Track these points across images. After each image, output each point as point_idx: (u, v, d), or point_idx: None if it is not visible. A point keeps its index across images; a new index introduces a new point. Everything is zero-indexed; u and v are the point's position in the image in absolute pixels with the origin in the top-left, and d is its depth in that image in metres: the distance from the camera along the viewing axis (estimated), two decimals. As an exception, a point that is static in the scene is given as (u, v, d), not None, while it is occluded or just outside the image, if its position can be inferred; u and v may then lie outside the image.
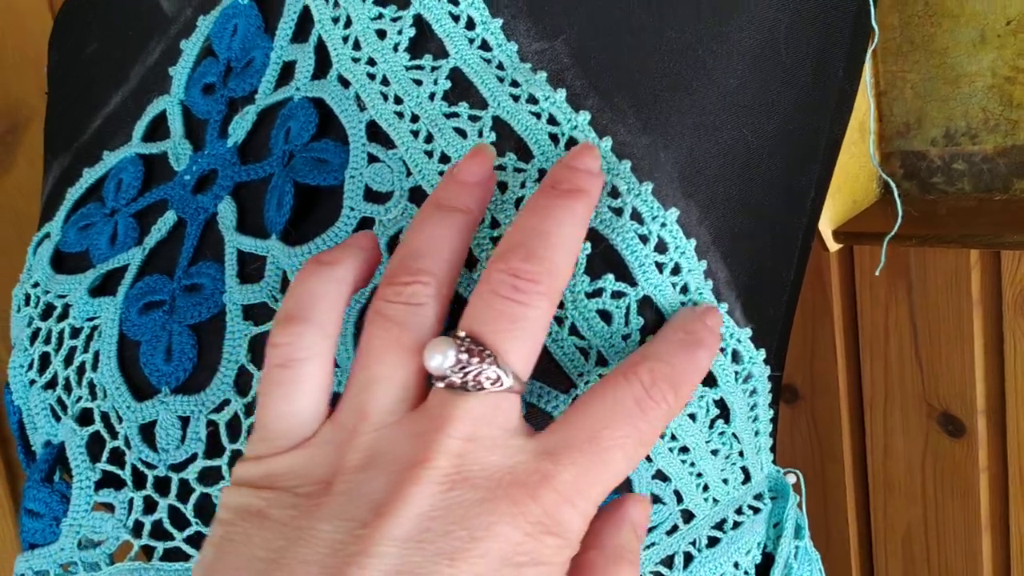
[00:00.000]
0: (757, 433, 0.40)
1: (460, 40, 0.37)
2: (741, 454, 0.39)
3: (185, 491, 0.38)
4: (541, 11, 0.37)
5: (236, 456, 0.36)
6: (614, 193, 0.33)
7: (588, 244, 0.32)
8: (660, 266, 0.33)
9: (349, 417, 0.28)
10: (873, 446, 0.66)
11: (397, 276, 0.29)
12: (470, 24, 0.37)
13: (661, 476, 0.35)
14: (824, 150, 0.40)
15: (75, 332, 0.40)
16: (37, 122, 0.80)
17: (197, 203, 0.40)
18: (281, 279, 0.36)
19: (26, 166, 0.79)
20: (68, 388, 0.40)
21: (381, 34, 0.38)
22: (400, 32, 0.38)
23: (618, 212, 0.33)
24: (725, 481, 0.39)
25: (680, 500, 0.37)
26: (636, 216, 0.33)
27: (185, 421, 0.37)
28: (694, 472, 0.37)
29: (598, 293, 0.32)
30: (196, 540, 0.38)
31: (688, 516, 0.38)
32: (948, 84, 0.56)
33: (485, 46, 0.37)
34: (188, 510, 0.37)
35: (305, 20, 0.40)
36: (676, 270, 0.33)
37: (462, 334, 0.27)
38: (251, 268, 0.37)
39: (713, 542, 0.40)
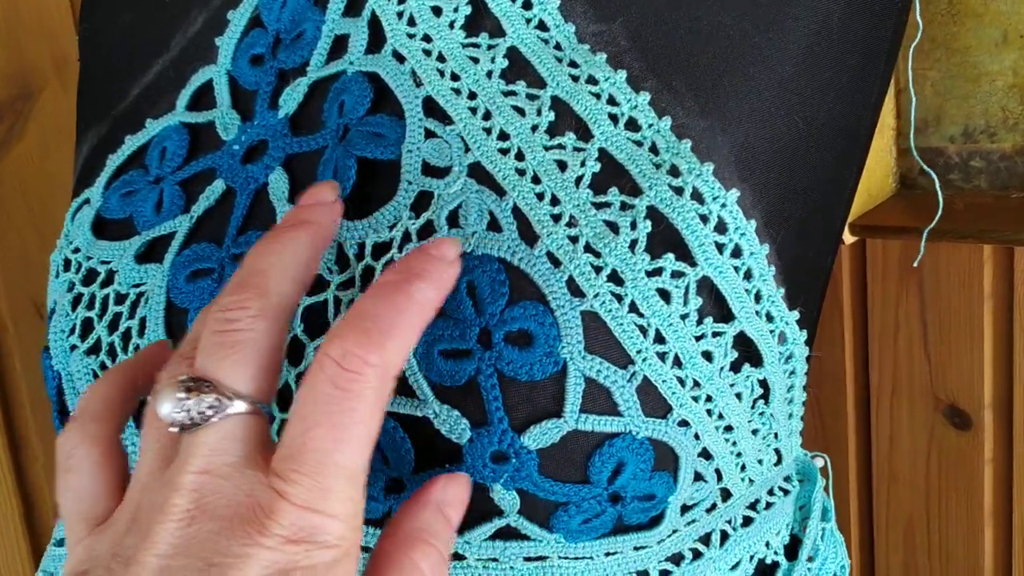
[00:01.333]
0: (791, 416, 0.41)
1: (517, 19, 0.37)
2: (776, 435, 0.40)
3: None
4: None
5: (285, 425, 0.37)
6: (674, 172, 0.34)
7: (648, 223, 0.33)
8: (720, 247, 0.33)
9: (129, 486, 0.30)
10: (878, 436, 0.68)
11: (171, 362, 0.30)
12: (527, 4, 0.38)
13: (705, 454, 0.36)
14: (864, 140, 0.41)
15: (120, 298, 0.40)
16: (50, 92, 0.79)
17: (247, 173, 0.40)
18: (336, 252, 0.36)
19: (37, 134, 0.78)
20: (112, 354, 0.40)
21: (436, 11, 0.38)
22: (456, 10, 0.38)
23: (678, 191, 0.33)
24: (760, 462, 0.40)
25: (720, 479, 0.38)
26: (696, 196, 0.33)
27: None
28: (735, 451, 0.37)
29: (658, 272, 0.33)
30: None
31: (726, 495, 0.39)
32: (969, 82, 0.57)
33: (542, 26, 0.37)
34: None
35: (357, -5, 0.41)
36: (737, 252, 0.34)
37: (183, 376, 0.28)
38: None
39: (747, 521, 0.40)
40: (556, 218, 0.34)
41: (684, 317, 0.33)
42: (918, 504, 0.67)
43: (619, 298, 0.33)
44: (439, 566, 0.30)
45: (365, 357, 0.27)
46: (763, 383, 0.37)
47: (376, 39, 0.39)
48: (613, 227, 0.33)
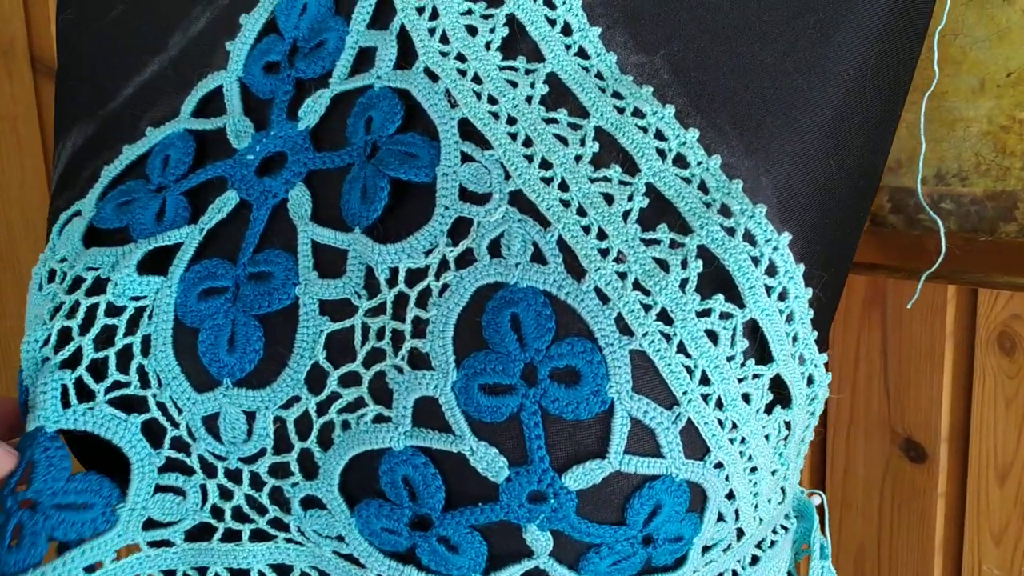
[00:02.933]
0: (799, 454, 0.41)
1: (556, 45, 0.37)
2: (786, 475, 0.40)
3: (258, 482, 0.36)
4: (639, 24, 0.37)
5: (305, 454, 0.35)
6: (725, 212, 0.33)
7: (699, 263, 0.33)
8: (769, 289, 0.33)
9: None
10: (833, 465, 0.69)
11: None
12: (566, 30, 0.37)
13: (730, 495, 0.36)
14: (877, 181, 0.42)
15: (115, 310, 0.38)
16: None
17: (264, 186, 0.38)
18: (365, 275, 0.35)
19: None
20: (97, 371, 0.38)
21: (471, 30, 0.37)
22: (492, 30, 0.37)
23: (730, 232, 0.33)
24: (769, 500, 0.40)
25: (737, 518, 0.37)
26: (749, 237, 0.33)
27: (250, 416, 0.36)
28: (755, 491, 0.37)
29: (707, 313, 0.33)
30: (277, 523, 0.37)
31: (740, 534, 0.39)
32: (943, 126, 0.58)
33: (583, 54, 0.37)
34: (264, 498, 0.36)
35: (383, 6, 0.39)
36: (783, 295, 0.34)
37: None
38: (328, 261, 0.36)
39: (755, 560, 0.40)
40: (604, 253, 0.33)
41: (730, 359, 0.33)
42: (870, 533, 0.68)
43: (668, 338, 0.32)
44: None
45: None
46: (788, 424, 0.37)
47: (406, 54, 0.38)
48: (663, 265, 0.33)
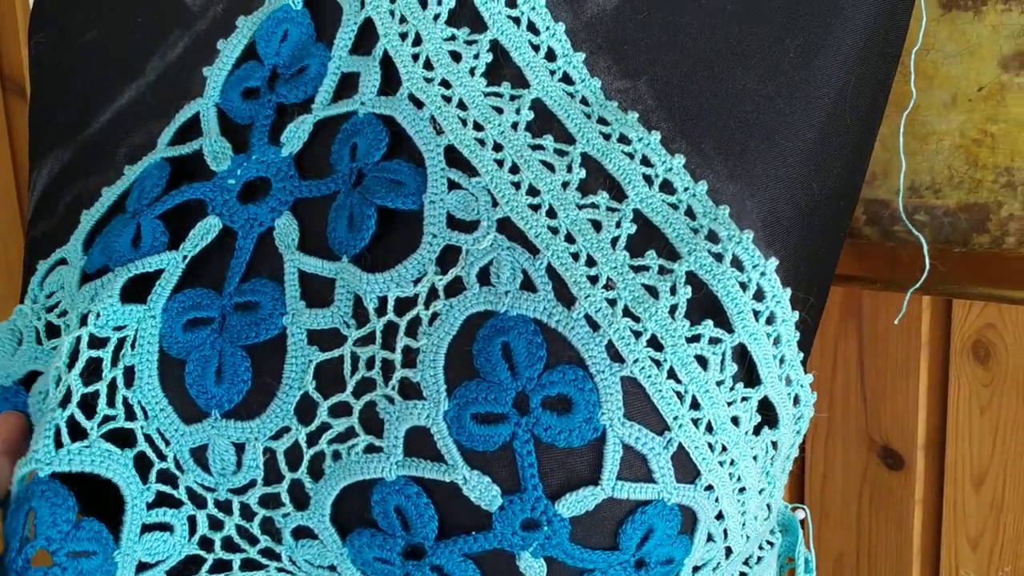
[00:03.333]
0: (784, 470, 0.42)
1: (541, 71, 0.37)
2: (772, 492, 0.40)
3: (248, 512, 0.36)
4: (622, 49, 0.37)
5: (296, 484, 0.35)
6: (713, 238, 0.33)
7: (689, 289, 0.33)
8: (756, 314, 0.33)
9: None
10: (812, 474, 0.70)
11: None
12: (550, 55, 0.37)
13: (720, 516, 0.36)
14: (856, 199, 0.42)
15: (98, 342, 0.37)
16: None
17: (249, 214, 0.37)
18: (353, 304, 0.35)
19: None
20: (86, 408, 0.37)
21: (456, 56, 0.37)
22: (476, 56, 0.37)
23: (718, 258, 0.33)
24: (756, 517, 0.40)
25: (726, 537, 0.38)
26: (736, 263, 0.33)
27: (240, 447, 0.35)
28: (743, 511, 0.38)
29: (696, 338, 0.33)
30: (268, 553, 0.36)
31: (728, 552, 0.39)
32: (917, 140, 0.59)
33: (567, 79, 0.37)
34: (255, 528, 0.36)
35: (366, 32, 0.39)
36: (771, 319, 0.34)
37: None
38: (315, 290, 0.36)
39: (742, 577, 0.41)
40: (593, 280, 0.33)
41: (720, 383, 0.33)
42: (848, 541, 0.69)
43: (658, 364, 0.32)
44: None
45: None
46: (775, 444, 0.37)
47: (389, 80, 0.38)
48: (652, 291, 0.33)
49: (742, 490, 0.36)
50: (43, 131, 0.45)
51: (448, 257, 0.34)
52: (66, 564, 0.34)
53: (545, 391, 0.32)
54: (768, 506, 0.41)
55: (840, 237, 0.41)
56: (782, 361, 0.35)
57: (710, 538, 0.37)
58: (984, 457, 0.62)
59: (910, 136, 0.59)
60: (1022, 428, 0.59)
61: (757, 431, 0.36)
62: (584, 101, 0.36)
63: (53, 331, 0.40)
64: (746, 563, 0.41)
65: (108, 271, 0.38)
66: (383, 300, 0.34)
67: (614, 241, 0.33)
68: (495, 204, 0.34)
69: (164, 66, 0.43)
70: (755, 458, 0.36)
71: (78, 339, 0.37)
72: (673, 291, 0.33)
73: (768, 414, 0.36)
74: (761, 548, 0.42)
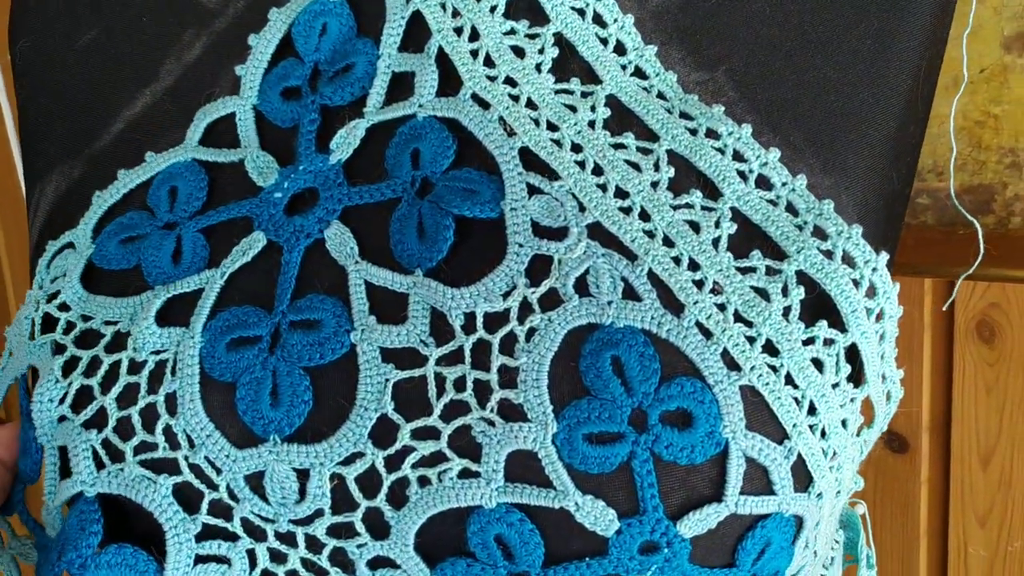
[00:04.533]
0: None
1: (612, 65, 0.35)
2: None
3: (316, 544, 0.33)
4: (694, 39, 0.35)
5: (372, 512, 0.32)
6: (820, 234, 0.32)
7: (802, 289, 0.31)
8: (868, 312, 0.32)
9: None
10: (813, 462, 0.69)
11: None
12: (620, 49, 0.35)
13: (817, 522, 0.35)
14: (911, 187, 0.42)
15: (136, 367, 0.34)
16: None
17: (295, 226, 0.34)
18: (431, 320, 0.32)
19: None
20: (123, 432, 0.34)
21: (518, 52, 0.35)
22: (541, 51, 0.35)
23: (828, 255, 0.32)
24: (833, 517, 0.39)
25: (815, 542, 0.36)
26: (848, 260, 0.32)
27: (303, 473, 0.32)
28: (832, 514, 0.37)
29: (811, 341, 0.31)
30: None
31: (814, 555, 0.38)
32: (919, 122, 0.59)
33: (640, 74, 0.35)
34: (324, 560, 0.33)
35: (415, 27, 0.36)
36: (880, 316, 0.33)
37: None
38: (383, 305, 0.33)
39: (823, 580, 0.40)
40: (699, 284, 0.31)
41: (835, 386, 0.32)
42: (854, 525, 0.69)
43: (775, 370, 0.31)
44: None
45: None
46: (867, 443, 0.36)
47: (448, 79, 0.35)
48: (763, 294, 0.31)
49: (839, 493, 0.35)
50: (41, 145, 0.41)
51: (538, 267, 0.32)
52: None
53: (663, 406, 0.30)
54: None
55: (902, 224, 0.40)
56: (883, 358, 0.34)
57: (806, 545, 0.35)
58: (991, 435, 0.62)
59: (912, 119, 0.59)
60: (1029, 405, 0.60)
61: (859, 432, 0.34)
62: (661, 96, 0.34)
63: (48, 324, 0.37)
64: (824, 566, 0.40)
65: (138, 279, 0.35)
66: (470, 316, 0.32)
67: (715, 242, 0.32)
68: (582, 209, 0.32)
69: (182, 69, 0.39)
70: (853, 459, 0.35)
71: (116, 363, 0.34)
72: (785, 292, 0.31)
73: (866, 415, 0.35)
74: (832, 548, 0.41)
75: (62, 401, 0.35)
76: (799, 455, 0.31)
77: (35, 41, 0.42)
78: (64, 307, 0.36)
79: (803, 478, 0.32)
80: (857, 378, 0.33)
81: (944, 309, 0.61)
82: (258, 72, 0.38)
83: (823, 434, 0.32)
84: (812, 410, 0.32)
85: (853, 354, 0.33)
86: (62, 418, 0.35)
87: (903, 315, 0.62)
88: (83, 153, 0.39)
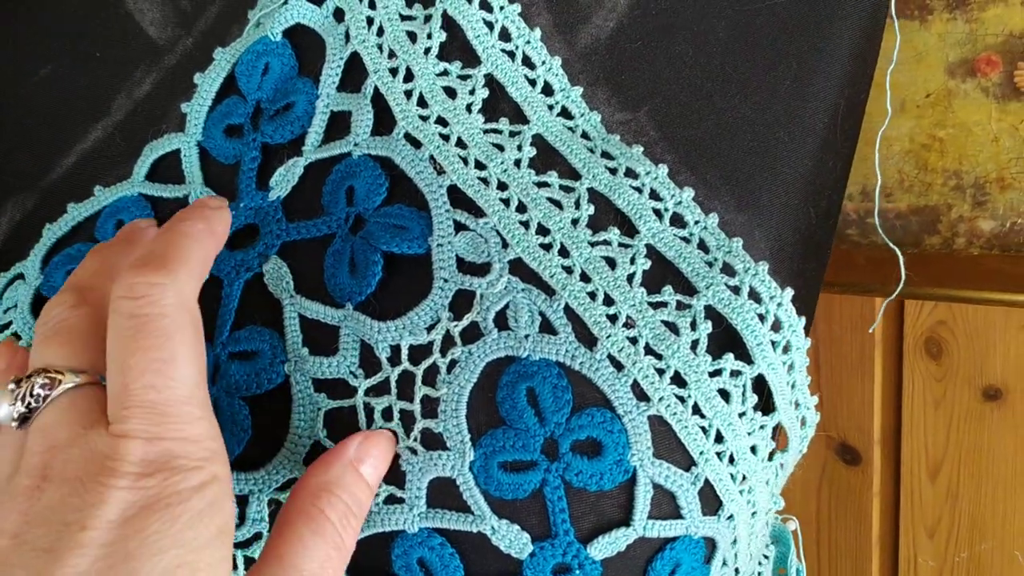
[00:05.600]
0: (779, 485, 0.42)
1: (539, 106, 0.36)
2: (772, 510, 0.41)
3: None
4: (620, 80, 0.37)
5: None
6: (728, 271, 0.34)
7: (709, 323, 0.33)
8: (774, 344, 0.34)
9: None
10: (770, 473, 0.71)
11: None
12: (547, 90, 0.37)
13: (734, 540, 0.36)
14: (837, 220, 0.43)
15: None
16: None
17: (235, 260, 0.36)
18: (359, 354, 0.34)
19: None
20: None
21: (450, 92, 0.37)
22: (472, 92, 0.36)
23: (736, 291, 0.33)
24: (758, 536, 0.41)
25: (736, 560, 0.38)
26: (754, 295, 0.33)
27: (243, 499, 0.34)
28: (751, 533, 0.38)
29: (718, 372, 0.33)
30: None
31: (736, 573, 0.39)
32: (867, 145, 0.61)
33: (566, 114, 0.36)
34: None
35: (353, 67, 0.38)
36: (787, 348, 0.34)
37: (12, 376, 0.28)
38: (316, 337, 0.34)
39: (749, 596, 0.41)
40: (613, 319, 0.33)
41: (741, 415, 0.33)
42: (809, 536, 0.71)
43: (683, 400, 0.32)
44: (347, 518, 0.30)
45: (150, 278, 0.27)
46: (782, 465, 0.38)
47: (383, 119, 0.37)
48: (672, 328, 0.33)
49: (754, 514, 0.37)
50: (1, 177, 0.42)
51: (461, 302, 0.33)
52: None
53: (574, 435, 0.32)
54: (767, 523, 0.42)
55: (827, 255, 0.42)
56: (793, 386, 0.36)
57: (724, 563, 0.37)
58: (939, 448, 0.64)
59: (862, 142, 0.61)
60: (975, 419, 0.62)
61: (771, 457, 0.36)
62: (585, 135, 0.36)
63: None
64: (750, 581, 0.42)
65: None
66: (395, 349, 0.33)
67: (630, 278, 0.33)
68: (505, 245, 0.34)
69: (132, 104, 0.41)
70: (767, 482, 0.37)
71: None
72: (693, 326, 0.33)
73: (779, 439, 0.37)
74: (760, 564, 0.43)
75: None
76: (706, 481, 0.33)
77: (0, 73, 0.44)
78: (17, 337, 0.38)
79: (712, 502, 0.34)
80: (766, 407, 0.35)
81: (871, 331, 0.62)
82: (203, 110, 0.39)
83: (731, 460, 0.34)
84: (719, 438, 0.33)
85: (761, 384, 0.34)
86: None
87: (855, 332, 0.64)
88: (37, 185, 0.41)
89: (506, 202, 0.34)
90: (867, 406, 0.66)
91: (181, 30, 0.41)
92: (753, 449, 0.34)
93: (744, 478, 0.34)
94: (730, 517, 0.34)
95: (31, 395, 0.27)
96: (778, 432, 0.37)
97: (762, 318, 0.33)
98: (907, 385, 0.64)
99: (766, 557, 0.44)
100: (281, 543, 0.29)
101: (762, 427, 0.35)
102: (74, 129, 0.41)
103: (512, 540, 0.32)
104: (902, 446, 0.65)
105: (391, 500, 0.33)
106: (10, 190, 0.42)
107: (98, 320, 0.29)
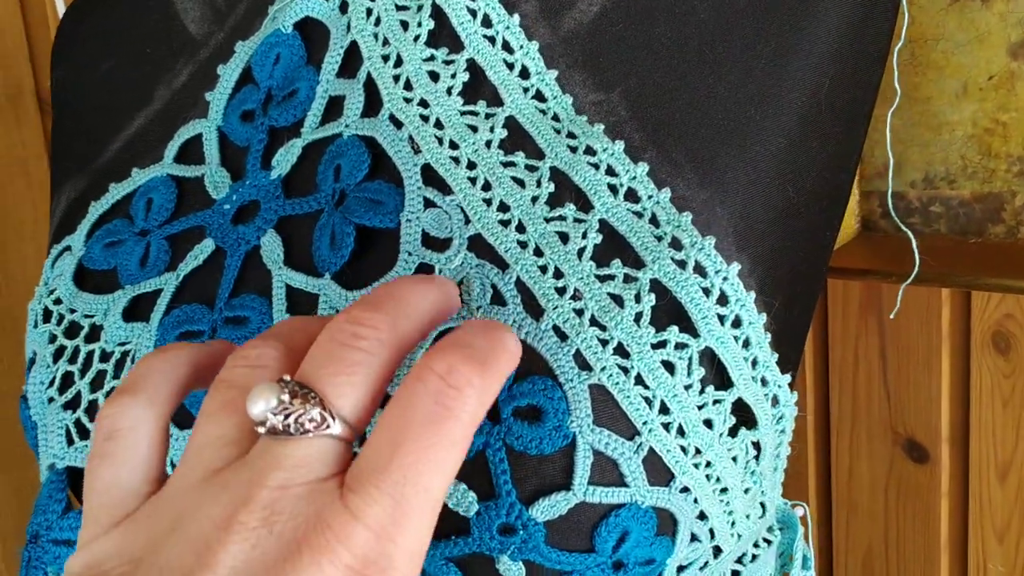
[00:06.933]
0: (776, 469, 0.42)
1: (515, 89, 0.38)
2: (762, 490, 0.41)
3: None
4: (597, 63, 0.38)
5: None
6: (676, 245, 0.34)
7: (653, 296, 0.34)
8: (722, 318, 0.34)
9: (173, 479, 0.26)
10: (838, 468, 0.69)
11: (245, 347, 0.27)
12: (524, 73, 0.38)
13: (702, 516, 0.37)
14: (844, 200, 0.43)
15: (105, 356, 0.40)
16: (1, 123, 0.77)
17: (238, 234, 0.39)
18: None
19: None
20: (92, 412, 0.40)
21: (434, 76, 0.39)
22: (454, 76, 0.38)
23: (681, 265, 0.34)
24: (748, 516, 0.41)
25: (712, 537, 0.38)
26: (699, 269, 0.34)
27: None
28: (728, 510, 0.38)
29: (662, 344, 0.34)
30: None
31: (717, 551, 0.40)
32: (930, 131, 0.59)
33: (540, 96, 0.38)
34: None
35: (352, 55, 0.41)
36: (737, 322, 0.35)
37: (288, 378, 0.25)
38: (302, 306, 0.37)
39: (736, 575, 0.41)
40: (561, 291, 0.34)
41: (688, 387, 0.34)
42: (876, 535, 0.68)
43: (625, 371, 0.33)
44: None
45: (470, 376, 0.25)
46: (756, 444, 0.38)
47: (372, 102, 0.39)
48: (618, 300, 0.34)
49: (724, 490, 0.37)
50: (62, 161, 0.47)
51: (424, 273, 0.35)
52: (47, 548, 0.37)
53: (516, 401, 0.33)
54: (762, 504, 0.42)
55: (827, 235, 0.41)
56: (755, 363, 0.36)
57: (694, 538, 0.37)
58: (1008, 449, 0.61)
59: (922, 127, 0.59)
60: (1045, 419, 0.59)
61: (734, 432, 0.36)
62: (556, 117, 0.37)
63: (47, 316, 0.43)
64: (739, 561, 0.42)
65: (114, 279, 0.41)
66: (363, 316, 0.36)
67: (580, 252, 0.34)
68: (467, 221, 0.36)
69: (170, 94, 0.45)
70: (734, 459, 0.37)
71: (91, 352, 0.40)
72: (638, 299, 0.34)
73: (746, 415, 0.37)
74: (756, 546, 0.43)
75: (51, 384, 0.41)
76: (652, 451, 0.34)
77: (65, 71, 0.49)
78: (58, 301, 0.43)
79: (661, 473, 0.34)
80: (722, 382, 0.35)
81: (891, 317, 0.60)
82: (223, 98, 0.43)
83: (681, 432, 0.34)
84: (665, 409, 0.34)
85: (714, 359, 0.35)
86: (51, 399, 0.41)
87: (921, 324, 0.62)
88: (89, 168, 0.46)
89: (473, 180, 0.36)
90: (935, 402, 0.63)
91: (216, 26, 0.45)
92: (708, 423, 0.35)
93: (698, 451, 0.35)
94: (685, 490, 0.35)
95: (297, 422, 0.25)
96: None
97: (707, 292, 0.34)
98: (975, 381, 0.61)
99: (767, 542, 0.44)
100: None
101: (717, 401, 0.35)
102: (122, 117, 0.46)
103: (459, 499, 0.33)
104: (970, 445, 0.62)
105: (355, 457, 0.35)
106: (69, 173, 0.47)
107: (390, 375, 0.26)
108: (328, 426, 0.25)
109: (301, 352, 0.27)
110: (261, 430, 0.25)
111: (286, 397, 0.25)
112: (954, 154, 0.58)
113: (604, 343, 0.33)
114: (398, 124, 0.38)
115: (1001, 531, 0.63)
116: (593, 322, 0.34)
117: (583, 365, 0.33)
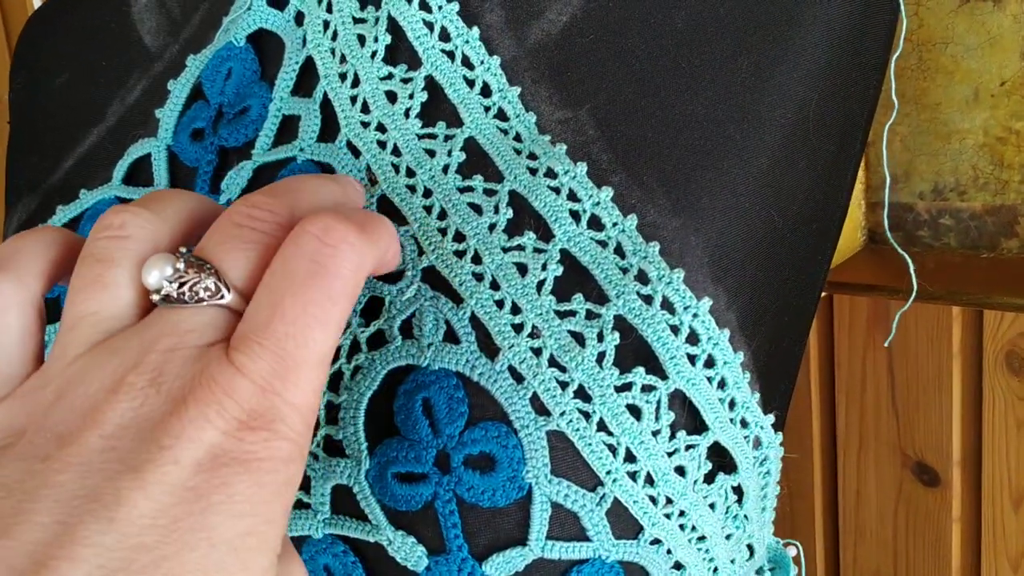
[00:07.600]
0: (764, 510, 0.39)
1: (475, 108, 0.35)
2: (749, 534, 0.38)
3: None
4: (565, 77, 0.35)
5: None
6: (642, 279, 0.31)
7: (616, 334, 0.31)
8: (692, 358, 0.31)
9: (51, 359, 0.26)
10: (845, 490, 0.66)
11: (108, 215, 0.27)
12: (485, 91, 0.35)
13: (678, 566, 0.34)
14: (838, 221, 0.40)
15: None
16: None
17: None
18: None
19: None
20: None
21: (391, 96, 0.36)
22: (411, 96, 0.36)
23: (647, 300, 0.31)
24: (732, 561, 0.38)
25: (692, 587, 0.36)
26: (667, 305, 0.31)
27: None
28: (708, 559, 0.35)
29: (627, 387, 0.31)
30: None
31: (697, 601, 0.37)
32: (939, 139, 0.55)
33: (502, 115, 0.35)
34: None
35: (307, 71, 0.38)
36: (710, 362, 0.32)
37: (184, 249, 0.26)
38: None
39: (720, 624, 0.39)
40: (518, 328, 0.31)
41: (656, 433, 0.31)
42: (885, 561, 0.65)
43: (587, 416, 0.31)
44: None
45: (345, 234, 0.25)
46: (737, 489, 0.35)
47: (329, 125, 0.37)
48: (579, 338, 0.31)
49: (701, 539, 0.34)
50: (14, 180, 0.45)
51: (372, 308, 0.33)
52: None
53: (467, 449, 0.30)
54: (749, 547, 0.39)
55: (819, 260, 0.39)
56: (732, 404, 0.33)
57: (671, 589, 0.35)
58: (1022, 474, 0.58)
59: (931, 135, 0.56)
60: (1062, 444, 0.55)
61: (711, 478, 0.33)
62: (518, 137, 0.34)
63: None
64: (723, 609, 0.39)
65: (57, 307, 0.39)
66: (310, 352, 0.33)
67: (540, 285, 0.32)
68: (421, 252, 0.33)
69: (123, 110, 0.42)
70: (712, 506, 0.34)
71: None
72: (600, 338, 0.31)
73: (723, 460, 0.34)
74: (744, 591, 0.40)
75: None
76: (617, 501, 0.31)
77: (23, 81, 0.47)
78: None
79: (629, 525, 0.32)
80: (696, 426, 0.32)
81: (888, 344, 0.57)
82: (173, 115, 0.40)
83: (650, 481, 0.31)
84: (631, 457, 0.31)
85: (685, 402, 0.32)
86: None
87: (931, 342, 0.59)
88: (40, 188, 0.43)
89: (428, 209, 0.34)
90: (945, 424, 0.60)
91: (171, 38, 0.43)
92: (680, 471, 0.32)
93: (669, 500, 0.32)
94: (656, 542, 0.32)
95: (191, 290, 0.25)
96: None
97: (675, 329, 0.31)
98: (987, 402, 0.58)
99: (755, 584, 0.41)
100: None
101: (690, 447, 0.32)
102: (76, 134, 0.44)
103: (408, 552, 0.31)
104: (983, 470, 0.59)
105: (298, 505, 0.33)
106: (21, 192, 0.44)
107: (278, 245, 0.27)
108: (222, 296, 0.25)
109: (175, 222, 0.27)
110: (156, 298, 0.25)
111: (181, 266, 0.25)
112: (964, 164, 0.55)
113: (564, 385, 0.31)
114: (356, 152, 0.36)
115: (1016, 559, 0.59)
116: (552, 362, 0.31)
117: (540, 410, 0.31)
